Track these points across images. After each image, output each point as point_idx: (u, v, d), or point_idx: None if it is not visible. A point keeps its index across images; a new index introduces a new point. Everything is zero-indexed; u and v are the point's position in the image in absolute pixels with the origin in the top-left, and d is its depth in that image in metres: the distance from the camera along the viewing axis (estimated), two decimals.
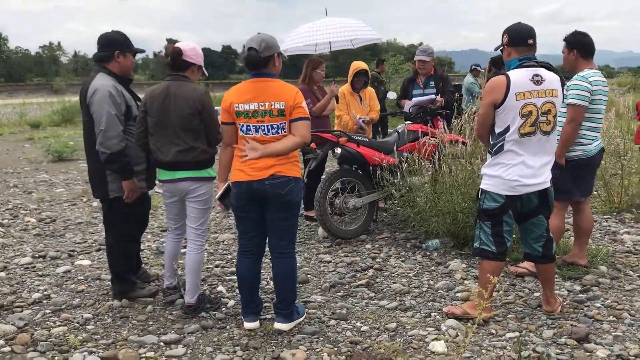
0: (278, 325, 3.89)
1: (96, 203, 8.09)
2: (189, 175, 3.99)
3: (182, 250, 4.75)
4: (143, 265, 4.97)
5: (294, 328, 3.94)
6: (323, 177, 6.08)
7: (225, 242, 6.08)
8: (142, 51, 4.42)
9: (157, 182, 4.42)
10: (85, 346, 3.77)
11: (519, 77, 3.60)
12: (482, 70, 12.95)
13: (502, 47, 3.79)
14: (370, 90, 6.70)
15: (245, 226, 3.78)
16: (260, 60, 3.51)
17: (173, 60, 3.98)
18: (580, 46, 4.55)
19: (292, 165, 3.64)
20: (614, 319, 3.98)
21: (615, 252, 5.35)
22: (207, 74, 4.24)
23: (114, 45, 4.17)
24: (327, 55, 6.86)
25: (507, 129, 3.63)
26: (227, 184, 3.76)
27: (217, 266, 5.33)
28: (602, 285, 4.58)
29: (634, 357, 3.43)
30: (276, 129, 3.57)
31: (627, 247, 5.50)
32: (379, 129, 11.40)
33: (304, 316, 4.05)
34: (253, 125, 3.56)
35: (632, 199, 6.85)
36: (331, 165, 8.76)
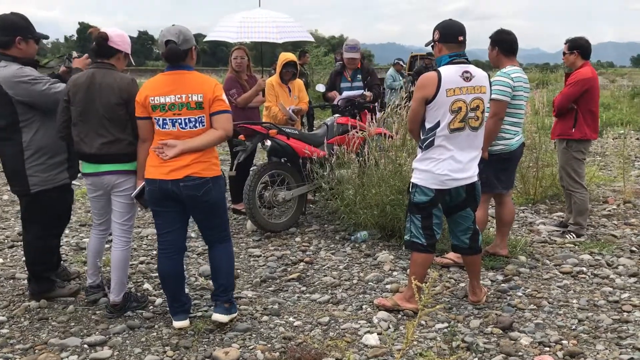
0: (217, 317, 3.79)
1: (6, 196, 7.63)
2: (114, 169, 3.82)
3: (106, 247, 4.53)
4: (62, 262, 4.70)
5: (226, 325, 3.84)
6: (252, 169, 6.00)
7: (149, 237, 5.89)
8: (46, 37, 4.13)
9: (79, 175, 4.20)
10: (0, 352, 3.52)
11: (450, 73, 3.66)
12: (404, 65, 13.28)
13: (433, 43, 3.84)
14: (299, 82, 6.68)
15: (163, 222, 3.64)
16: (180, 53, 3.42)
17: (98, 46, 3.78)
18: (503, 44, 4.72)
19: (210, 164, 3.52)
20: (535, 307, 4.17)
21: (533, 242, 5.61)
22: (133, 63, 4.06)
23: (14, 30, 3.85)
24: (249, 44, 6.77)
25: (437, 125, 3.68)
26: (143, 182, 3.66)
27: (141, 262, 5.15)
28: (522, 274, 4.79)
29: (554, 344, 3.60)
30: (194, 123, 3.44)
31: (543, 237, 5.78)
32: (304, 120, 11.41)
33: (237, 312, 3.97)
34: (170, 119, 3.43)
35: (546, 190, 7.21)
36: (259, 158, 8.68)
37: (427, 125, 3.73)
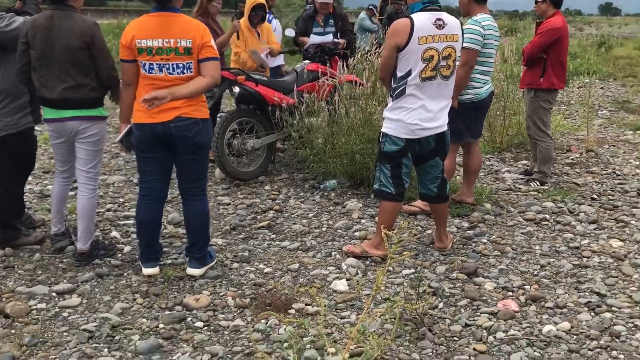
0: (190, 271, 3.80)
1: None
2: (78, 114, 3.72)
3: (71, 194, 4.46)
4: (27, 210, 4.61)
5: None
6: (219, 117, 5.92)
7: (115, 185, 5.81)
8: None
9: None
10: None
11: (422, 20, 3.62)
12: (376, 11, 13.08)
13: None
14: (267, 26, 6.53)
15: (148, 169, 3.61)
16: None
17: None
18: None
19: (199, 106, 3.49)
20: (499, 253, 4.29)
21: (498, 190, 5.73)
22: None
23: None
24: None
25: (408, 73, 3.66)
26: (129, 125, 3.60)
27: (108, 210, 5.09)
28: (488, 221, 4.90)
29: (517, 289, 3.73)
30: (182, 69, 3.38)
31: (508, 185, 5.90)
32: None
33: (215, 260, 3.99)
34: (157, 64, 3.35)
35: (512, 139, 7.33)
36: (227, 105, 8.55)
37: (399, 74, 3.71)
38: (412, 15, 3.67)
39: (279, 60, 7.13)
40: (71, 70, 3.62)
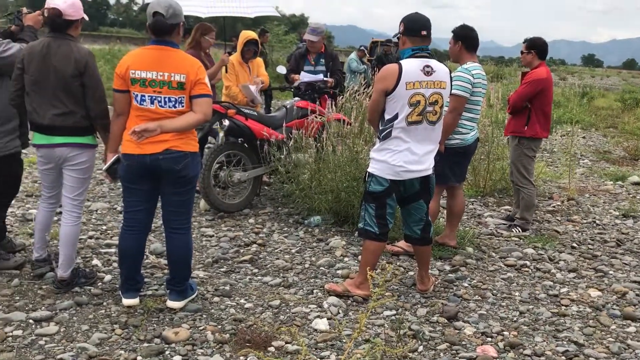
0: (171, 304, 3.77)
1: None
2: (68, 141, 3.73)
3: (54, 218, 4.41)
4: (7, 233, 4.56)
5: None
6: (207, 148, 5.94)
7: (99, 212, 5.78)
8: None
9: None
10: None
11: (411, 66, 3.69)
12: (367, 52, 13.44)
13: (398, 35, 3.88)
14: (258, 60, 6.65)
15: (133, 199, 3.59)
16: (166, 27, 3.34)
17: (53, 22, 3.65)
18: (465, 39, 4.81)
19: (189, 139, 3.49)
20: (479, 298, 4.31)
21: (480, 234, 5.78)
22: (87, 18, 3.90)
23: None
24: (207, 18, 6.67)
25: (395, 117, 3.72)
26: (116, 155, 3.60)
27: (90, 237, 5.05)
28: (469, 265, 4.93)
29: (496, 334, 3.75)
30: (174, 103, 3.38)
31: (490, 229, 5.95)
32: (264, 100, 11.29)
33: (196, 293, 3.97)
34: (149, 96, 3.35)
35: (495, 184, 7.42)
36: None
37: (386, 117, 3.77)
38: (402, 61, 3.74)
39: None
40: (63, 97, 3.64)
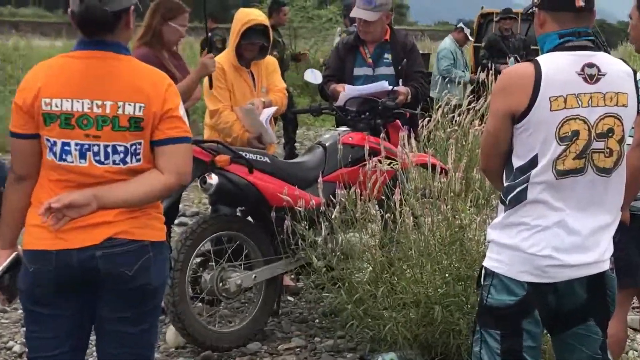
0: None
1: None
2: None
3: None
4: None
5: None
6: (178, 228, 4.50)
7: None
8: None
9: None
10: None
11: (559, 67, 2.56)
12: (469, 33, 8.60)
13: (531, 9, 2.78)
14: (269, 62, 4.48)
15: (45, 335, 2.59)
16: (106, 18, 2.36)
17: None
18: None
19: (149, 219, 2.50)
20: None
21: None
22: None
23: None
24: None
25: (533, 162, 2.62)
26: (14, 253, 2.58)
27: None
28: None
29: None
30: (123, 155, 2.39)
31: None
32: (283, 131, 8.17)
33: None
34: (77, 144, 2.40)
35: None
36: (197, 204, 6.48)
37: (516, 162, 2.68)
38: (540, 58, 2.62)
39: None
40: None
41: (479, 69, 6.23)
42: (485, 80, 4.75)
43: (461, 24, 8.36)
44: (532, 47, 7.77)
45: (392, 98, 4.32)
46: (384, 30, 4.58)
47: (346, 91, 4.39)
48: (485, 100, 4.31)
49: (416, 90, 4.44)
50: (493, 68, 5.81)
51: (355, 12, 4.53)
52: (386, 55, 4.58)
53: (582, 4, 2.51)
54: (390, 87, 4.37)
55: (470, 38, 8.51)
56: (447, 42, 8.24)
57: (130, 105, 2.40)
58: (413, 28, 33.86)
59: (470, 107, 4.52)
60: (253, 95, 4.27)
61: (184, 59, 4.27)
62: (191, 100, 4.06)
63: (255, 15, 4.31)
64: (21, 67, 11.54)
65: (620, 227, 2.82)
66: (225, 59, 4.22)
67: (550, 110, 2.47)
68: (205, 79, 4.06)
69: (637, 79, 2.71)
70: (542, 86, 2.46)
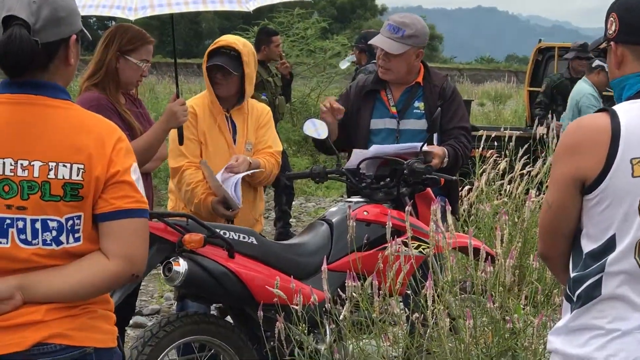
0: None
1: None
2: None
3: None
4: None
5: None
6: (134, 331, 4.08)
7: None
8: None
9: None
10: None
11: None
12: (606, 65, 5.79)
13: (606, 43, 2.21)
14: (262, 112, 3.63)
15: None
16: (37, 53, 1.98)
17: None
18: None
19: (93, 318, 2.14)
20: None
21: None
22: None
23: None
24: (156, 22, 3.75)
25: (610, 245, 2.19)
26: None
27: None
28: None
29: None
30: (56, 234, 2.06)
31: None
32: (275, 203, 7.09)
33: None
34: None
35: None
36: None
37: (587, 246, 2.23)
38: (618, 107, 2.15)
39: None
40: None
41: (536, 121, 5.16)
42: (545, 136, 3.76)
43: (598, 62, 5.93)
44: (603, 94, 5.97)
45: (423, 159, 3.38)
46: (412, 71, 3.67)
47: (362, 150, 3.49)
48: (545, 163, 3.62)
49: (455, 151, 3.48)
50: (554, 120, 4.56)
51: (376, 40, 3.63)
52: (416, 104, 3.63)
53: None
54: (421, 145, 3.42)
55: (605, 66, 5.51)
56: (587, 88, 6.04)
57: (65, 166, 2.08)
58: (448, 66, 29.21)
59: (525, 171, 3.77)
60: (231, 151, 3.41)
61: (144, 106, 3.49)
62: (154, 161, 3.26)
63: (226, 37, 3.60)
64: None
65: None
66: (200, 100, 3.47)
67: (633, 177, 2.12)
68: (173, 132, 3.28)
69: None
70: (622, 144, 2.11)
